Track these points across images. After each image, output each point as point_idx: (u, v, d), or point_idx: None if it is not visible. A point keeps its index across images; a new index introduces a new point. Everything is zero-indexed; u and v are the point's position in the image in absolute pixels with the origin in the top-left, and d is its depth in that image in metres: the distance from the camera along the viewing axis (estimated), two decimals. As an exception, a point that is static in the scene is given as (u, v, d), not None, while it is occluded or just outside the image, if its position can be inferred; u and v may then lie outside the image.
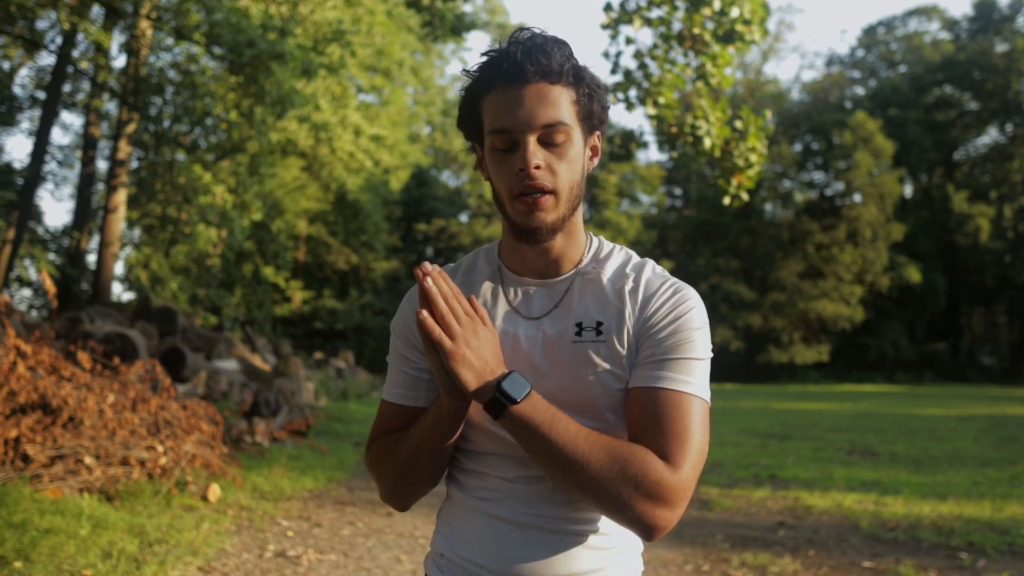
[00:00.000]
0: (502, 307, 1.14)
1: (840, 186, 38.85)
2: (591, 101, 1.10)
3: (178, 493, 4.96)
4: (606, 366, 1.07)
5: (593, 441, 1.00)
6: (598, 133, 1.14)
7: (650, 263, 1.16)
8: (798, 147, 40.10)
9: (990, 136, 41.39)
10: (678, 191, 43.80)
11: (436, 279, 0.99)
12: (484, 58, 1.09)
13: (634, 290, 1.11)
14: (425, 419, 1.10)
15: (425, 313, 0.98)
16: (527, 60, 1.04)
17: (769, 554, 4.53)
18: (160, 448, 5.01)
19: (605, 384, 1.07)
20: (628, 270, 1.13)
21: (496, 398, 0.99)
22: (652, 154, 54.47)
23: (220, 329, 14.70)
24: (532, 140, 1.05)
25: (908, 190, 41.14)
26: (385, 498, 1.19)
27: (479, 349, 1.00)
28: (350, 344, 29.00)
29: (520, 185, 1.05)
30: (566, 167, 1.07)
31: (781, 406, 19.11)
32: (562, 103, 1.06)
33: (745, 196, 8.20)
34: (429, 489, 1.16)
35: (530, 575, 1.07)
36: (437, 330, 0.98)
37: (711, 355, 1.10)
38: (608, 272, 1.13)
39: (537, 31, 1.07)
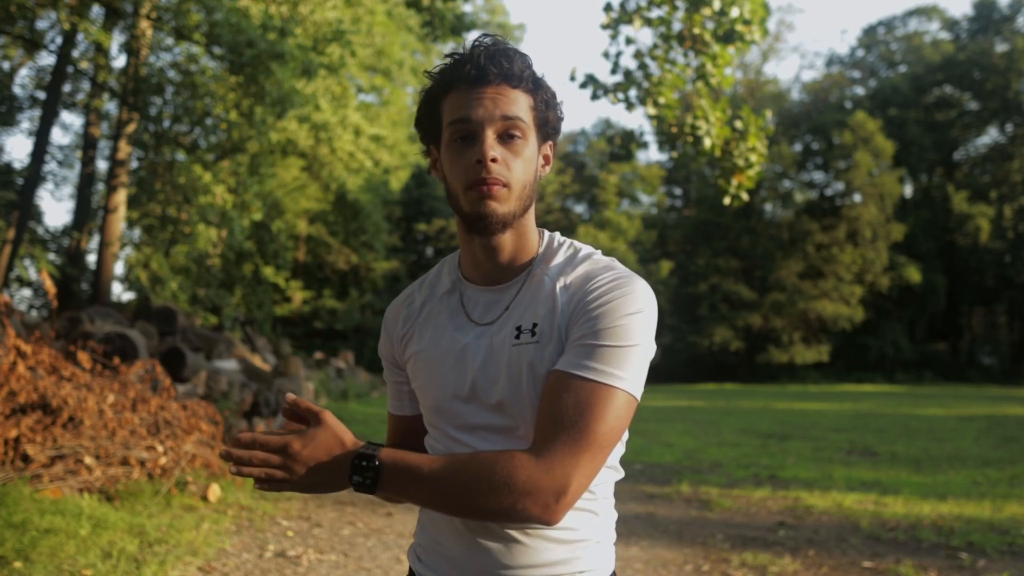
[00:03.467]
0: (458, 316, 1.17)
1: (840, 186, 38.84)
2: (547, 109, 1.13)
3: (178, 493, 4.96)
4: (542, 368, 1.08)
5: (449, 473, 1.02)
6: (551, 143, 1.17)
7: (596, 255, 1.15)
8: (798, 147, 40.08)
9: (990, 136, 41.41)
10: (678, 191, 43.80)
11: (236, 453, 1.06)
12: (447, 60, 1.12)
13: (568, 285, 1.10)
14: None
15: (257, 486, 1.07)
16: (490, 63, 1.07)
17: (769, 554, 4.53)
18: (160, 448, 5.02)
19: (542, 385, 1.08)
20: (570, 266, 1.13)
21: (356, 486, 1.04)
22: (652, 154, 54.46)
23: (220, 329, 14.68)
24: (491, 133, 1.08)
25: (908, 190, 41.12)
26: None
27: (314, 458, 1.04)
28: (350, 344, 28.98)
29: (476, 176, 1.07)
30: (521, 164, 1.10)
31: (781, 406, 19.11)
32: (521, 105, 1.09)
33: (745, 196, 8.19)
34: None
35: (497, 564, 1.09)
36: (274, 486, 1.06)
37: (646, 344, 1.06)
38: (552, 271, 1.14)
39: (500, 39, 1.11)
